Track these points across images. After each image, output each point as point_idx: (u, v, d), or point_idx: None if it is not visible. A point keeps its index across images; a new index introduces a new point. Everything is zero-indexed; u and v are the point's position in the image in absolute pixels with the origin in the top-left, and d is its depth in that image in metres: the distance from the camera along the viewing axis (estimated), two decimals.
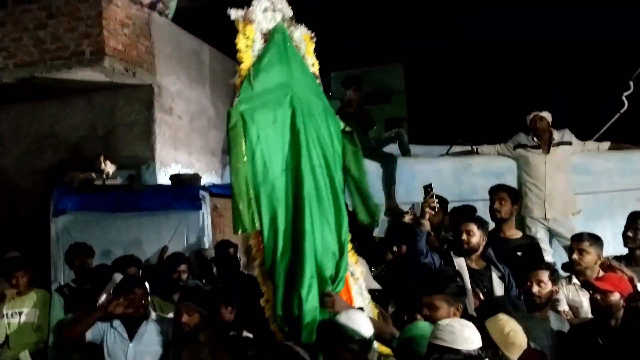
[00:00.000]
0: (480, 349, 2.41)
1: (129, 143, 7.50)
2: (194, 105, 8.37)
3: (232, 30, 3.40)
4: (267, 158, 2.98)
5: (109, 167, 6.17)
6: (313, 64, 3.62)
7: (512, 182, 5.96)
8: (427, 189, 3.92)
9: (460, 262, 4.06)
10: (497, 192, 4.85)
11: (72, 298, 4.97)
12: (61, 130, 7.88)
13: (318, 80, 3.59)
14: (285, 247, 2.98)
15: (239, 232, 2.99)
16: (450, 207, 5.28)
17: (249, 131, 2.94)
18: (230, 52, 3.44)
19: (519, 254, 4.46)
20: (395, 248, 4.68)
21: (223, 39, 9.04)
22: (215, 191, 6.33)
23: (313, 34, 3.60)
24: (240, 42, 3.24)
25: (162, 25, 7.78)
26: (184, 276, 4.94)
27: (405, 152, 6.74)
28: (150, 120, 7.48)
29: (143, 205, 6.07)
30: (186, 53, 8.29)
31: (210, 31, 8.79)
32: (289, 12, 3.45)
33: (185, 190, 6.11)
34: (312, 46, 3.60)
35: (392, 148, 7.10)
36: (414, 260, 4.03)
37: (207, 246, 6.16)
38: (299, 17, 3.57)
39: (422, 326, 2.85)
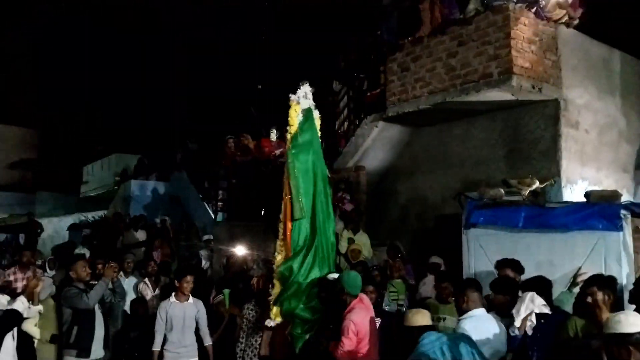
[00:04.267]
0: None
1: (533, 160, 7.44)
2: (602, 117, 7.75)
3: None
4: (302, 181, 5.33)
5: (529, 186, 6.17)
6: (319, 132, 5.74)
7: None
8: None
9: None
10: None
11: None
12: (466, 149, 8.42)
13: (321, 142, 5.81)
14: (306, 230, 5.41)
15: (297, 218, 5.28)
16: None
17: (295, 165, 5.32)
18: None
19: None
20: None
21: (637, 42, 8.21)
22: (638, 210, 5.64)
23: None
24: (292, 113, 5.51)
25: (568, 36, 7.51)
26: None
27: None
28: (556, 135, 7.27)
29: (555, 222, 5.84)
30: (594, 62, 7.77)
31: (620, 36, 8.03)
32: (312, 102, 5.67)
33: (603, 208, 5.61)
34: (319, 122, 5.74)
35: None
36: None
37: (626, 270, 5.55)
38: None
39: None
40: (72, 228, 16.23)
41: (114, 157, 22.10)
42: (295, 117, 5.47)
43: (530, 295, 4.46)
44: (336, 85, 10.52)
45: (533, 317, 4.28)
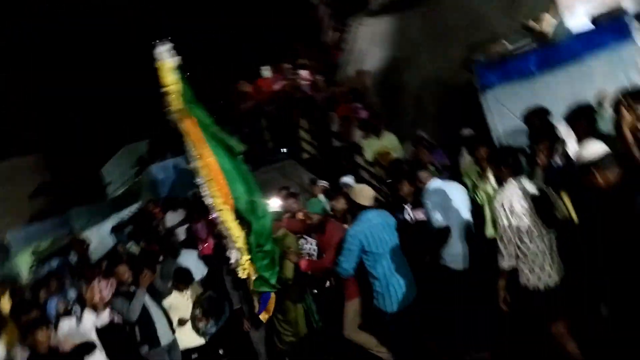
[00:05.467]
0: None
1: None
2: None
3: None
4: (207, 139, 5.33)
5: (545, 26, 5.97)
6: None
7: None
8: None
9: None
10: None
11: None
12: (463, 15, 8.25)
13: None
14: None
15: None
16: None
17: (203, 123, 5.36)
18: None
19: None
20: None
21: None
22: None
23: None
24: (166, 72, 5.17)
25: None
26: None
27: None
28: None
29: (567, 55, 5.78)
30: None
31: None
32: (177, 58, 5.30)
33: (606, 25, 5.47)
34: None
35: None
36: None
37: None
38: None
39: None
40: (114, 230, 16.60)
41: (125, 150, 22.21)
42: (170, 76, 5.22)
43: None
44: None
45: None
